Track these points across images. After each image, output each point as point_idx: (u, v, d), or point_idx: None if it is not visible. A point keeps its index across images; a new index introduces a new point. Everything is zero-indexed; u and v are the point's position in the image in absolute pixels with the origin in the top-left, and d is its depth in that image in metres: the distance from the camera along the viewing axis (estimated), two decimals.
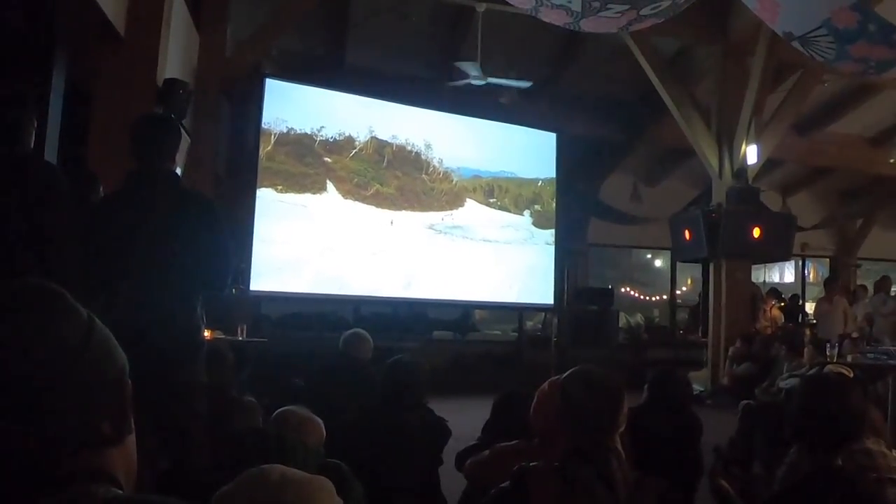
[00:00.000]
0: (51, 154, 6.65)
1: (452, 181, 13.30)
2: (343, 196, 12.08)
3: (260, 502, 1.63)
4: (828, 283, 14.80)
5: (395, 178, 12.74)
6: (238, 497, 1.65)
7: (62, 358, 1.12)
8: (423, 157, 13.08)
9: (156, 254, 3.89)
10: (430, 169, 13.13)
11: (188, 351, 3.97)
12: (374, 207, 12.38)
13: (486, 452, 3.54)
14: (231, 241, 4.21)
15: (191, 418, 3.90)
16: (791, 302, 16.97)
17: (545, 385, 3.14)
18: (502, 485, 2.59)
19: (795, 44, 6.79)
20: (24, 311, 1.15)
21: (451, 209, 13.20)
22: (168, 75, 8.01)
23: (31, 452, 1.07)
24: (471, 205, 13.40)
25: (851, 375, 4.23)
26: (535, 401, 3.19)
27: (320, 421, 3.33)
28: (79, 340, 1.15)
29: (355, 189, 12.26)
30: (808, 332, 13.04)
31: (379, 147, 12.63)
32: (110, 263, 3.88)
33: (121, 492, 1.15)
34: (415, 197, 12.91)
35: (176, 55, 8.53)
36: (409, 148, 12.98)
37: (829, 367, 4.99)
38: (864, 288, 15.50)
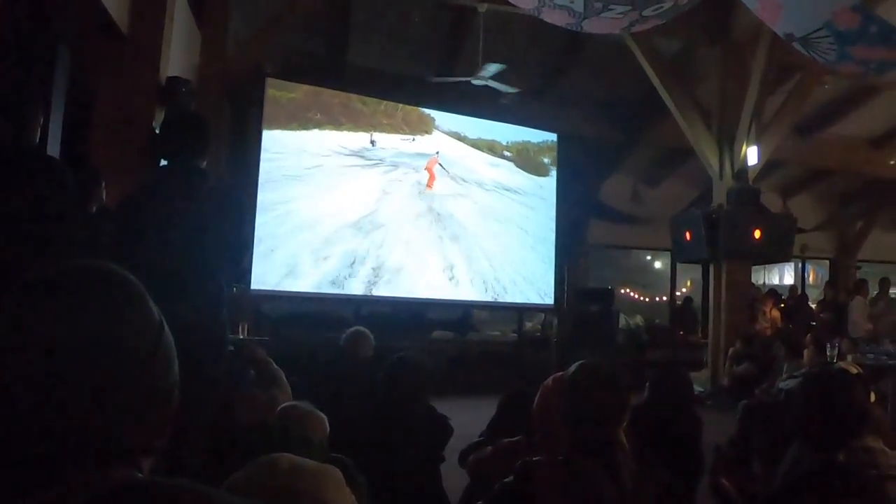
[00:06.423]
0: (53, 151, 6.65)
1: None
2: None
3: (272, 489, 1.64)
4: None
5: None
6: (250, 484, 1.66)
7: (130, 364, 1.01)
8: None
9: (187, 251, 3.89)
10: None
11: (213, 350, 3.96)
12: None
13: (489, 448, 3.55)
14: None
15: (197, 416, 3.88)
16: (798, 301, 16.83)
17: (549, 380, 3.14)
18: (506, 479, 2.59)
19: (796, 45, 6.79)
20: (102, 301, 1.03)
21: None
22: (170, 73, 8.03)
23: (68, 455, 0.97)
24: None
25: (857, 373, 4.23)
26: (538, 396, 3.18)
27: (324, 416, 3.33)
28: (149, 346, 1.04)
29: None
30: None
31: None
32: (139, 262, 3.81)
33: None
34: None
35: (178, 53, 8.54)
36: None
37: (837, 365, 4.99)
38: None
